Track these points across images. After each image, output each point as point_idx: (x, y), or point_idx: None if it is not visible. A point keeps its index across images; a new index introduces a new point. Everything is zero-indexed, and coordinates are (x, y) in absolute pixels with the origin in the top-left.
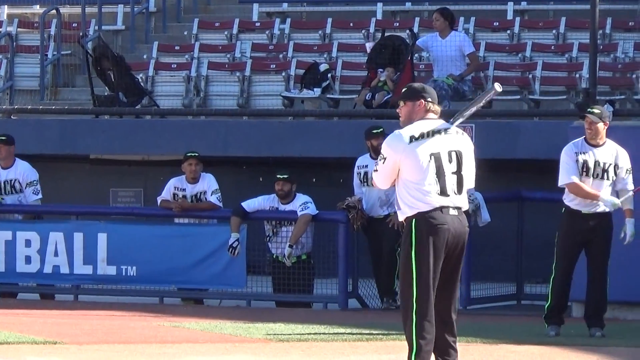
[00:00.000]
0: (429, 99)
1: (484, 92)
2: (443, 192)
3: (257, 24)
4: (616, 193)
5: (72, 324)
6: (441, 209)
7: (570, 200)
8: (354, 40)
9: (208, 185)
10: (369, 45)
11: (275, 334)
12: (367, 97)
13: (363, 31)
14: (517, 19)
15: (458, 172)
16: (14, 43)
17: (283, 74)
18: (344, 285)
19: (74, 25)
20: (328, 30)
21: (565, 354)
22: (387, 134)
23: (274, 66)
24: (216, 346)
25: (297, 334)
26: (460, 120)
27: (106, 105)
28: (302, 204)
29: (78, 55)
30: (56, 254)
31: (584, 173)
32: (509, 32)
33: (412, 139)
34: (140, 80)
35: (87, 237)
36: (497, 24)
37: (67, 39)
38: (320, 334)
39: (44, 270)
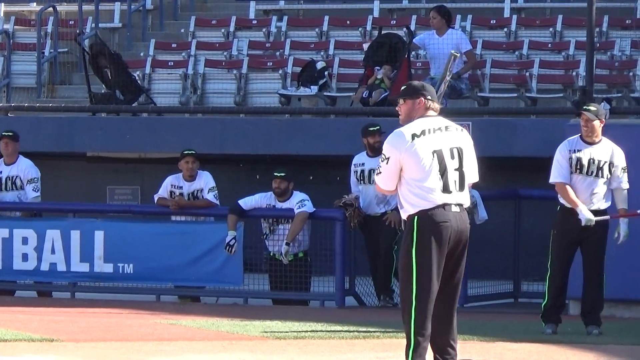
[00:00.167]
0: (429, 97)
1: (444, 64)
2: (446, 189)
3: (254, 22)
4: (611, 192)
5: (69, 322)
6: (444, 206)
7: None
8: (351, 38)
9: (205, 183)
10: (366, 46)
11: (272, 332)
12: (364, 95)
13: (360, 29)
14: (514, 16)
15: (460, 169)
16: (11, 41)
17: (280, 71)
18: (341, 282)
19: (70, 22)
20: (325, 28)
21: (562, 351)
22: (384, 132)
23: (271, 64)
24: (213, 344)
25: (294, 332)
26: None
27: (103, 102)
28: (299, 202)
29: (75, 53)
30: (53, 251)
31: (578, 170)
32: (505, 30)
33: (414, 136)
34: (137, 78)
35: (84, 234)
36: (494, 21)
37: (64, 36)
38: (317, 331)
39: (41, 268)
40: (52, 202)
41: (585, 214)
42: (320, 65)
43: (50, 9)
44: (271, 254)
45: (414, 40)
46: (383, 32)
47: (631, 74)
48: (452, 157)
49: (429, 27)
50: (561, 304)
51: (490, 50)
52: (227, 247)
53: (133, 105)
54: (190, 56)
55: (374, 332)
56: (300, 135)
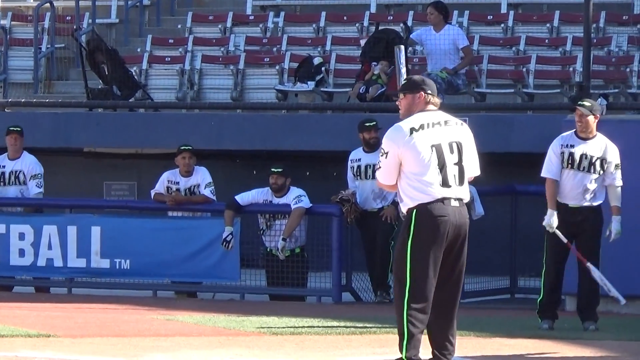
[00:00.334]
0: (429, 92)
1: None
2: (445, 184)
3: (251, 17)
4: (605, 188)
5: (65, 317)
6: (443, 200)
7: (558, 194)
8: (348, 33)
9: (202, 178)
10: (363, 42)
11: (268, 327)
12: (360, 91)
13: (357, 24)
14: (511, 12)
15: (459, 163)
16: (8, 36)
17: (277, 67)
18: (338, 278)
19: (67, 18)
20: (322, 24)
21: (559, 347)
22: (381, 127)
23: (268, 59)
24: (210, 339)
25: (291, 327)
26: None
27: (100, 98)
28: (296, 197)
29: (72, 49)
30: (50, 247)
31: (569, 165)
32: (502, 25)
33: (412, 130)
34: (134, 73)
35: (80, 230)
36: (491, 17)
37: (61, 32)
38: (313, 327)
39: (38, 264)
40: (49, 197)
41: (549, 219)
42: (317, 60)
43: (47, 4)
44: (268, 250)
45: (411, 36)
46: (380, 27)
47: (628, 69)
48: (452, 151)
49: (426, 22)
50: (556, 300)
51: (487, 46)
52: (224, 243)
53: (130, 100)
54: (187, 52)
55: (371, 327)
56: (297, 130)
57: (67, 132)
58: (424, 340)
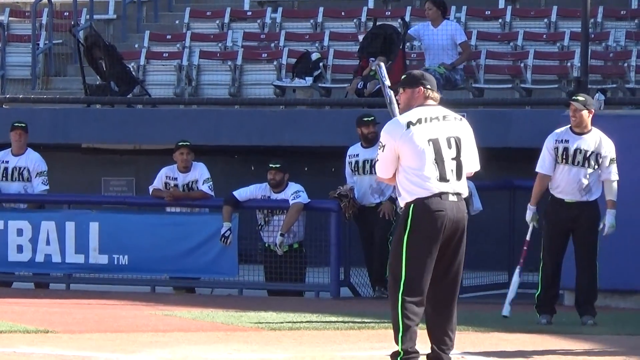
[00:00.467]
0: (428, 86)
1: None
2: (442, 178)
3: (249, 13)
4: (601, 183)
5: (64, 313)
6: (440, 195)
7: (554, 189)
8: (346, 29)
9: (200, 174)
10: (361, 37)
11: (267, 323)
12: (358, 86)
13: (355, 20)
14: (509, 7)
15: (457, 158)
16: (6, 32)
17: (275, 63)
18: (336, 273)
19: (65, 14)
20: (320, 19)
21: (557, 342)
22: (379, 122)
23: (266, 55)
24: (208, 335)
25: (289, 323)
26: (396, 109)
27: (98, 94)
28: (294, 193)
29: (70, 45)
30: (48, 242)
31: (564, 160)
32: (500, 20)
33: (410, 124)
34: (131, 69)
35: (78, 226)
36: (489, 12)
37: (58, 28)
38: (312, 322)
39: (36, 259)
40: (47, 193)
41: (528, 215)
42: (315, 56)
43: (45, 0)
44: (266, 245)
45: (408, 31)
46: (378, 23)
47: (626, 64)
48: (449, 146)
49: (424, 18)
50: (554, 294)
51: (485, 41)
52: (222, 239)
53: (128, 96)
54: (185, 47)
55: (369, 322)
56: (295, 126)
57: (65, 128)
58: (423, 335)
